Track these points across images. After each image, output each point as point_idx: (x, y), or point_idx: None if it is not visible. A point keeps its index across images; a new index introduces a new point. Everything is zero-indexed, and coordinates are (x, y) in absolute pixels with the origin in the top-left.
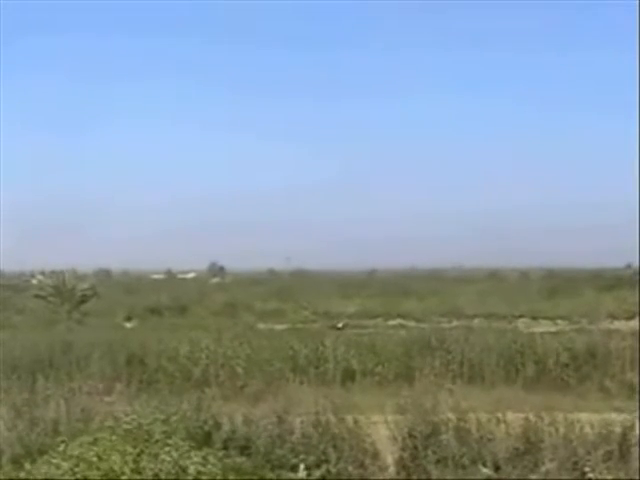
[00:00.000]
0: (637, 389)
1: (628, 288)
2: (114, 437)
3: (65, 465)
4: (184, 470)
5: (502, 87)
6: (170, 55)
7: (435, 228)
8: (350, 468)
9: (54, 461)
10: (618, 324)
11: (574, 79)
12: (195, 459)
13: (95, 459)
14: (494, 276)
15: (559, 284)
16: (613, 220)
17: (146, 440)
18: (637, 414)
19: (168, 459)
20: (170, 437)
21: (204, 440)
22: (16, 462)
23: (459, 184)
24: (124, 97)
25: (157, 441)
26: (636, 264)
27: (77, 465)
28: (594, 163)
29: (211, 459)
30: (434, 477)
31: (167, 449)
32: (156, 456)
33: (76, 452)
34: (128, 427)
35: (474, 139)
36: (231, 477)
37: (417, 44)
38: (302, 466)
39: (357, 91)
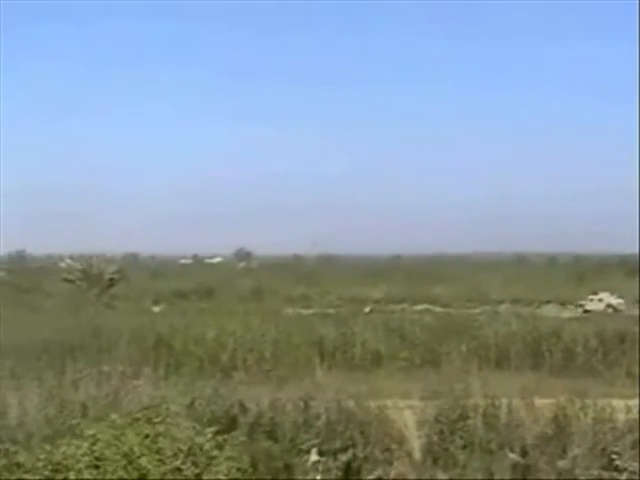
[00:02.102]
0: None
1: None
2: (132, 419)
3: (85, 445)
4: (201, 449)
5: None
6: (203, 42)
7: (460, 214)
8: (377, 452)
9: (74, 442)
10: None
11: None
12: (210, 438)
13: (113, 440)
14: (521, 261)
15: (586, 269)
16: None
17: (162, 422)
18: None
19: (184, 438)
20: (188, 419)
21: (230, 424)
22: (46, 443)
23: (485, 171)
24: (150, 83)
25: (171, 423)
26: None
27: (94, 444)
28: (622, 150)
29: (231, 441)
30: (461, 462)
31: (181, 429)
32: (173, 438)
33: (93, 433)
34: (147, 410)
35: (502, 127)
36: (258, 461)
37: (420, 34)
38: (314, 450)
39: (381, 79)
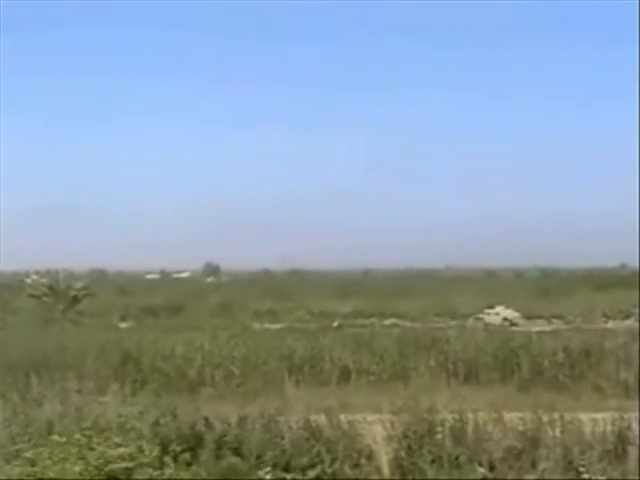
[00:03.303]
0: (637, 389)
1: (623, 288)
2: (74, 439)
3: (28, 467)
4: (150, 467)
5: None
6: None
7: (430, 231)
8: (345, 468)
9: (17, 463)
10: (612, 323)
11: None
12: (156, 457)
13: (56, 460)
14: (489, 276)
15: (554, 283)
16: (608, 227)
17: (104, 441)
18: (637, 414)
19: (125, 457)
20: (141, 437)
21: (196, 441)
22: (8, 462)
23: (455, 186)
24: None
25: (116, 442)
26: (632, 264)
27: (34, 465)
28: (589, 171)
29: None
30: (429, 477)
31: (125, 449)
32: (115, 456)
33: (38, 452)
34: (88, 430)
35: (468, 143)
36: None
37: (415, 38)
38: (267, 469)
39: (360, 86)
